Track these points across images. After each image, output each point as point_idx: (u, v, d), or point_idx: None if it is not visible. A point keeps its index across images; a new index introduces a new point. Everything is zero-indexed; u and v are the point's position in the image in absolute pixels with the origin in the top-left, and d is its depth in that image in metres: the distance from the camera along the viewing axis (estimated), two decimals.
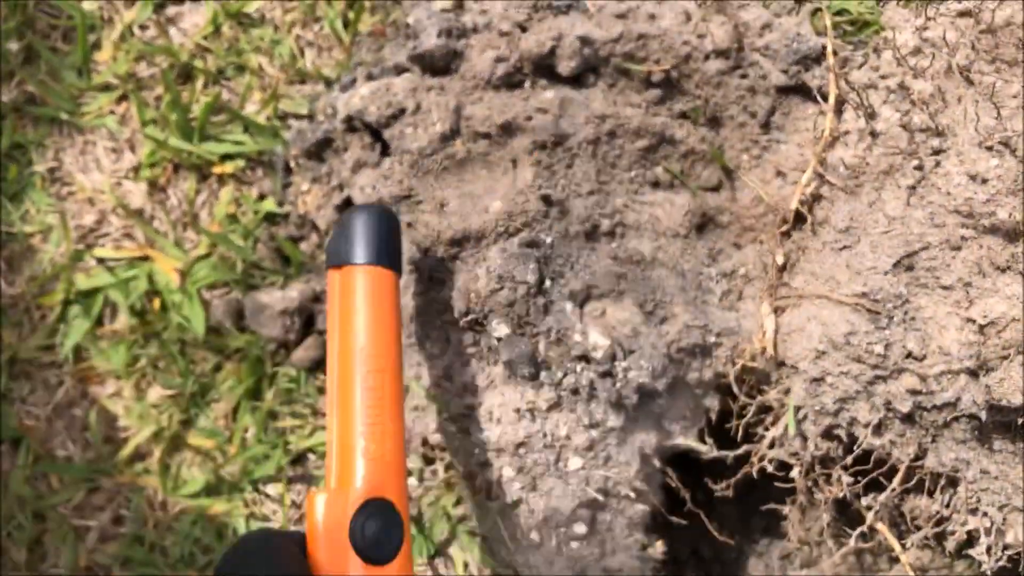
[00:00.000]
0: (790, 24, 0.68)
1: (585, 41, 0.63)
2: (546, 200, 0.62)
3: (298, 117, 0.73)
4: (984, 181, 0.54)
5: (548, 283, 0.61)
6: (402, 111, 0.64)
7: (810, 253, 0.61)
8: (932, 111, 0.56)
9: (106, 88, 0.75)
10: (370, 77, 0.69)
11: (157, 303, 0.73)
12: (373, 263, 0.55)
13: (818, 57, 0.65)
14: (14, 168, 0.74)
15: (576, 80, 0.65)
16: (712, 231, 0.67)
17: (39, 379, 0.73)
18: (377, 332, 0.54)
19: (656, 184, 0.67)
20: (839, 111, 0.62)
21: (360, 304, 0.54)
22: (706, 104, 0.67)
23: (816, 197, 0.61)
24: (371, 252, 0.55)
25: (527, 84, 0.65)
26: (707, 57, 0.66)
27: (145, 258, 0.74)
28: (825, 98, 0.63)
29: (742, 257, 0.66)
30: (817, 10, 0.69)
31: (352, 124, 0.67)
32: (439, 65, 0.64)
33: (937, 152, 0.56)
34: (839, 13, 0.69)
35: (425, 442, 0.67)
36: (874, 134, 0.59)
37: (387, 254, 0.56)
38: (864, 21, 0.69)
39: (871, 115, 0.59)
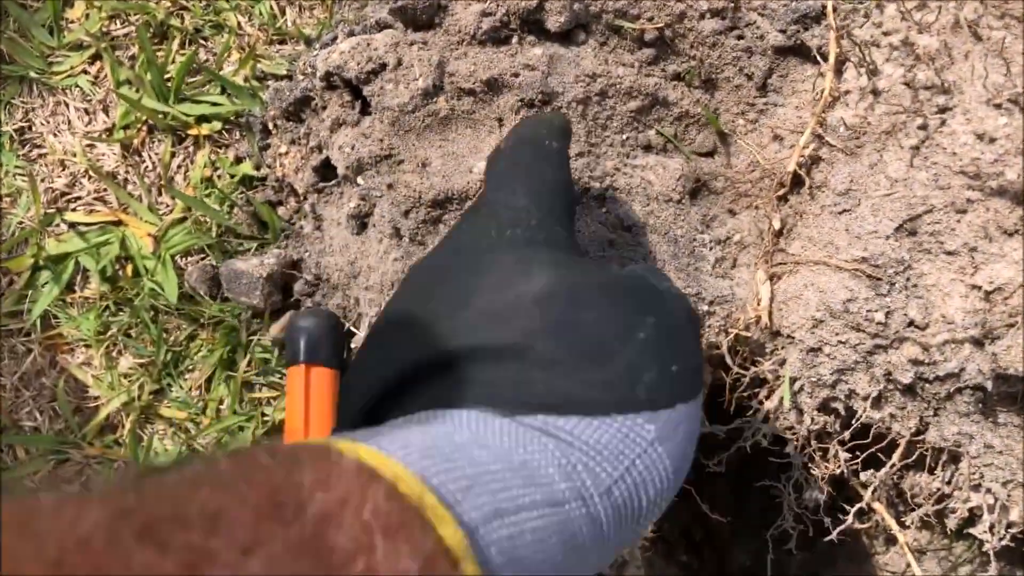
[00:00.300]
0: None
1: None
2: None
3: (277, 78, 0.71)
4: (992, 140, 0.52)
5: None
6: (383, 66, 0.61)
7: (808, 218, 0.59)
8: (938, 67, 0.53)
9: (78, 47, 0.72)
10: (351, 34, 0.66)
11: (130, 269, 0.70)
12: (311, 363, 0.64)
13: (818, 16, 0.63)
14: None
15: (566, 37, 0.62)
16: (706, 197, 0.64)
17: (5, 347, 0.70)
18: (315, 427, 0.63)
19: (648, 147, 0.64)
20: (839, 71, 0.59)
21: (298, 400, 0.64)
22: (701, 65, 0.64)
23: (815, 159, 0.59)
24: (309, 352, 0.64)
25: (514, 40, 0.62)
26: (702, 16, 0.63)
27: (118, 223, 0.71)
28: (825, 58, 0.60)
29: (737, 224, 0.63)
30: None
31: (331, 81, 0.64)
32: (422, 19, 0.62)
33: (942, 110, 0.53)
34: None
35: None
36: (876, 92, 0.56)
37: (325, 354, 0.65)
38: None
39: (873, 72, 0.56)
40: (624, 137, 0.63)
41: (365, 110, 0.64)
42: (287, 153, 0.68)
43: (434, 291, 0.42)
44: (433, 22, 0.62)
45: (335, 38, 0.68)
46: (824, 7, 0.62)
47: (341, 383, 0.48)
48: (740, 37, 0.64)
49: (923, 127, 0.54)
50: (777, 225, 0.59)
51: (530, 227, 0.43)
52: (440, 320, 0.40)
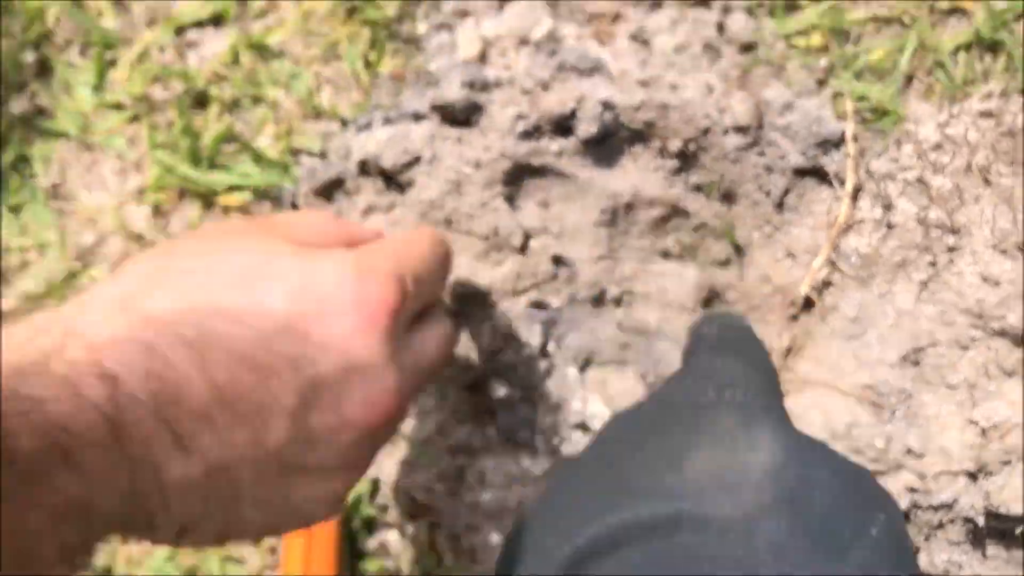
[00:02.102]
0: (811, 106, 0.68)
1: (607, 106, 0.63)
2: (556, 261, 0.62)
3: (310, 154, 0.73)
4: (996, 284, 0.54)
5: (552, 347, 0.61)
6: (418, 159, 0.64)
7: (817, 339, 0.61)
8: (949, 208, 0.56)
9: (118, 107, 0.74)
10: (387, 121, 0.69)
11: None
12: None
13: (837, 142, 0.65)
14: (17, 180, 0.73)
15: (595, 143, 0.65)
16: (719, 306, 0.66)
17: None
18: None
19: (666, 254, 0.66)
20: (855, 198, 0.62)
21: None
22: (722, 179, 0.67)
23: (826, 283, 0.61)
24: None
25: (544, 139, 0.65)
26: (726, 132, 0.66)
27: None
28: (842, 183, 0.63)
29: None
30: (839, 95, 0.70)
31: (366, 167, 0.66)
32: (459, 117, 0.64)
33: (951, 250, 0.56)
34: (860, 99, 0.69)
35: (411, 499, 0.66)
36: (890, 225, 0.58)
37: None
38: (884, 109, 0.69)
39: (888, 207, 0.58)
40: (644, 243, 0.66)
41: (398, 197, 0.66)
42: None
43: (644, 444, 0.40)
44: (470, 120, 0.64)
45: (370, 122, 0.70)
46: (844, 133, 0.65)
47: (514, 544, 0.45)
48: (761, 154, 0.67)
49: (932, 264, 0.57)
50: (786, 344, 0.61)
51: (749, 391, 0.42)
52: (652, 476, 0.38)
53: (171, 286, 0.38)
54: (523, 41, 0.68)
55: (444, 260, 0.51)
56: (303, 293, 0.39)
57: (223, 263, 0.40)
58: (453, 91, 0.63)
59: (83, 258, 0.73)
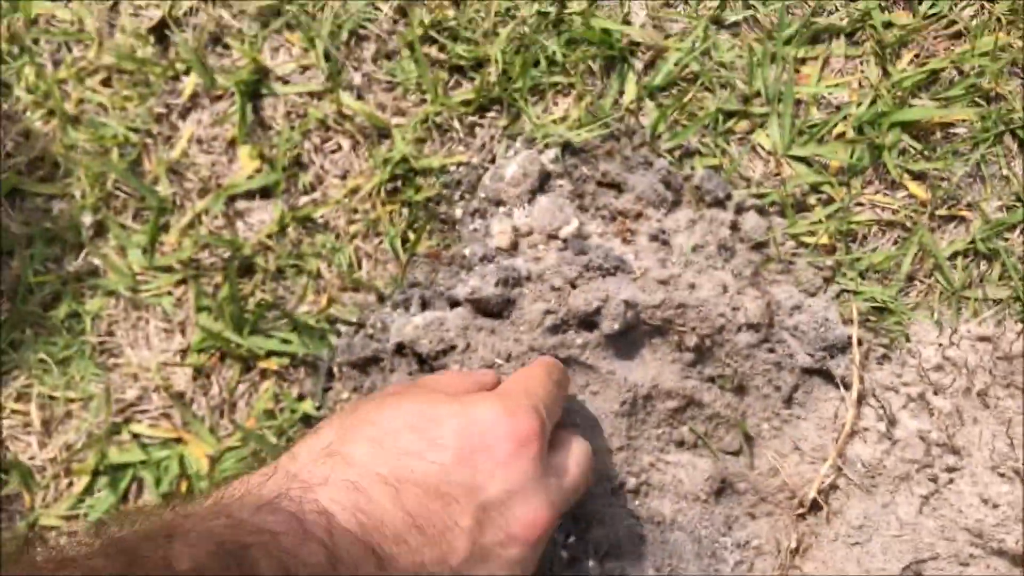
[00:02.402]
0: (819, 307, 0.72)
1: (629, 305, 0.68)
2: None
3: (347, 324, 0.77)
4: (995, 506, 0.58)
5: (572, 538, 0.64)
6: (452, 347, 0.68)
7: (822, 541, 0.64)
8: (949, 430, 0.60)
9: (167, 270, 0.79)
10: (423, 302, 0.73)
11: (184, 486, 0.75)
12: None
13: (843, 347, 0.70)
14: (67, 335, 0.77)
15: (620, 338, 0.69)
16: (729, 496, 0.70)
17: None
18: None
19: (681, 443, 0.70)
20: (860, 405, 0.66)
21: None
22: (734, 373, 0.71)
23: (833, 487, 0.65)
24: None
25: (570, 333, 0.69)
26: (739, 329, 0.70)
27: (179, 440, 0.76)
28: (848, 387, 0.67)
29: (756, 528, 0.69)
30: (845, 294, 0.75)
31: (403, 349, 0.70)
32: (493, 310, 0.69)
33: (951, 470, 0.60)
34: (864, 299, 0.74)
35: None
36: (893, 439, 0.62)
37: None
38: (888, 309, 0.74)
39: (891, 422, 0.63)
40: (660, 432, 0.70)
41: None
42: (348, 400, 0.74)
43: None
44: (502, 313, 0.69)
45: (407, 300, 0.74)
46: (850, 338, 0.70)
47: None
48: (771, 351, 0.71)
49: (933, 479, 0.60)
50: (794, 545, 0.64)
51: None
52: None
53: (362, 436, 0.49)
54: (552, 236, 0.73)
55: (564, 382, 0.61)
56: (467, 430, 0.49)
57: (400, 414, 0.50)
58: (488, 288, 0.67)
59: (124, 412, 0.77)
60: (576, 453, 0.55)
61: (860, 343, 0.68)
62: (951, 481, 0.60)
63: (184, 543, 0.38)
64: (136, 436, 0.76)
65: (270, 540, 0.39)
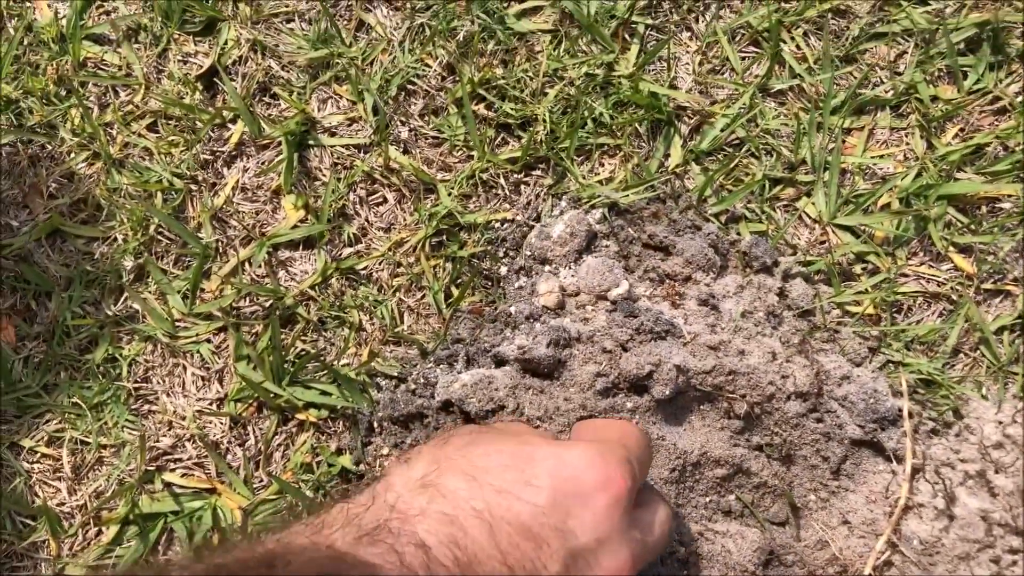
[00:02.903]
0: (867, 377, 0.72)
1: (681, 370, 0.67)
2: None
3: (388, 377, 0.76)
4: None
5: None
6: (501, 407, 0.67)
7: None
8: (1013, 510, 0.59)
9: (208, 317, 0.78)
10: (468, 359, 0.73)
11: (216, 539, 0.73)
12: None
13: (894, 419, 0.69)
14: (103, 380, 0.76)
15: (669, 403, 0.68)
16: (777, 568, 0.68)
17: None
18: None
19: (728, 512, 0.69)
20: (914, 479, 0.65)
21: None
22: (783, 442, 0.70)
23: (887, 563, 0.64)
24: None
25: (620, 396, 0.68)
26: (788, 398, 0.70)
27: (212, 490, 0.75)
28: (900, 460, 0.66)
29: None
30: (892, 365, 0.74)
31: (449, 407, 0.69)
32: (542, 370, 0.68)
33: (1015, 551, 0.59)
34: (912, 371, 0.73)
35: None
36: (951, 516, 0.61)
37: None
38: (935, 382, 0.73)
39: (951, 500, 0.62)
40: (708, 500, 0.68)
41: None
42: (389, 456, 0.73)
43: None
44: (551, 374, 0.68)
45: (451, 356, 0.74)
46: (900, 410, 0.69)
47: None
48: (820, 421, 0.70)
49: (995, 561, 0.59)
50: None
51: None
52: None
53: (457, 469, 0.49)
54: (601, 297, 0.73)
55: (651, 449, 0.60)
56: (561, 473, 0.49)
57: (495, 451, 0.50)
58: (540, 348, 0.67)
59: (157, 460, 0.75)
60: (661, 514, 0.55)
61: (911, 415, 0.68)
62: (1014, 563, 0.58)
63: (287, 573, 0.38)
64: (168, 485, 0.75)
65: (371, 573, 0.40)
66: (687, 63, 0.85)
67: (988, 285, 0.78)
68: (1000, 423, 0.64)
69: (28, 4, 0.87)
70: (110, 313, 0.78)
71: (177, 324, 0.78)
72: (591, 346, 0.69)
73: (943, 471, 0.63)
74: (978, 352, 0.76)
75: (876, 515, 0.67)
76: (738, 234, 0.79)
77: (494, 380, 0.68)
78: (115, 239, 0.80)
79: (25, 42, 0.85)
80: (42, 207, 0.81)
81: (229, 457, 0.75)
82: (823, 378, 0.71)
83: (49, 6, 0.87)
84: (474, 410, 0.67)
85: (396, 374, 0.76)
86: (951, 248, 0.78)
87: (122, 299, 0.78)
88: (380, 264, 0.79)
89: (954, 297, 0.77)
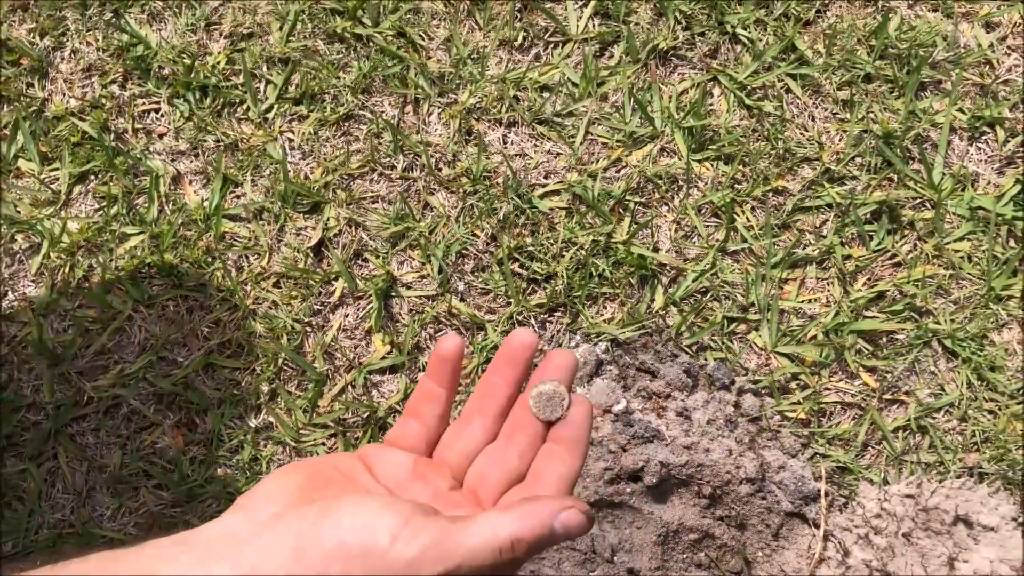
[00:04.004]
0: (798, 466, 1.01)
1: (663, 464, 0.97)
2: (630, 572, 0.93)
3: None
4: None
5: None
6: None
7: None
8: (884, 559, 0.88)
9: (323, 426, 1.08)
10: None
11: None
12: None
13: (815, 497, 0.98)
14: (247, 475, 1.06)
15: (656, 488, 0.98)
16: None
17: None
18: None
19: (699, 565, 0.98)
20: (826, 540, 0.94)
21: None
22: (738, 514, 0.99)
23: None
24: None
25: (621, 484, 0.98)
26: (741, 482, 0.99)
27: None
28: (817, 527, 0.95)
29: None
30: (815, 454, 1.03)
31: None
32: None
33: None
34: (831, 461, 1.03)
35: None
36: (847, 566, 0.90)
37: None
38: (848, 469, 1.03)
39: (846, 553, 0.91)
40: (684, 556, 0.97)
41: None
42: None
43: None
44: None
45: None
46: (819, 491, 0.98)
47: None
48: (763, 499, 0.99)
49: None
50: None
51: None
52: None
53: None
54: (607, 410, 1.03)
55: None
56: None
57: None
58: None
59: None
60: None
61: (827, 495, 0.97)
62: None
63: None
64: None
65: None
66: (666, 230, 1.16)
67: (888, 396, 1.07)
68: (879, 500, 0.93)
69: (180, 191, 1.19)
70: (252, 425, 1.08)
71: (301, 432, 1.08)
72: (601, 448, 0.98)
73: (842, 534, 0.92)
74: (881, 446, 1.05)
75: (802, 566, 0.95)
76: (705, 360, 1.09)
77: None
78: (254, 370, 1.10)
79: (179, 221, 1.17)
80: (198, 346, 1.11)
81: None
82: (766, 467, 1.00)
83: (195, 193, 1.19)
84: None
85: None
86: (861, 369, 1.08)
87: (260, 414, 1.08)
88: None
89: (863, 405, 1.07)
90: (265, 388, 1.09)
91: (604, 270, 1.12)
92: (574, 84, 1.21)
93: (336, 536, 0.40)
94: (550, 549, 0.91)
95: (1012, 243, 1.11)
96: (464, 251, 1.15)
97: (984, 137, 1.17)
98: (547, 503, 0.43)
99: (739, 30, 1.22)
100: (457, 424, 0.52)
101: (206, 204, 1.17)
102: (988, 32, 1.22)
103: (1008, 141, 1.15)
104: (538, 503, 0.43)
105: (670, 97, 1.19)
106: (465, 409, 0.53)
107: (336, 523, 0.41)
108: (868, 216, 1.14)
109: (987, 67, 1.19)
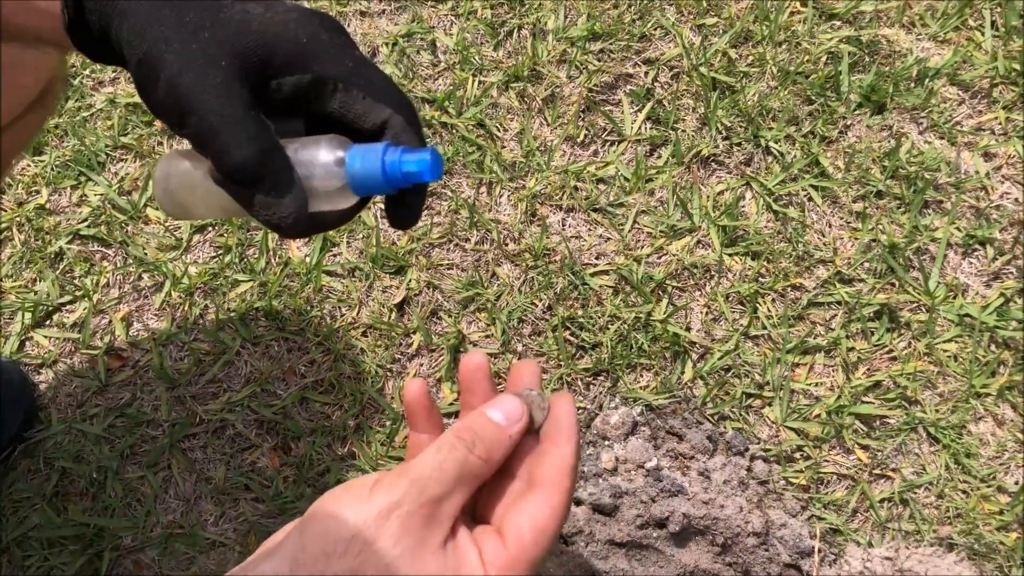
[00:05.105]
0: (797, 525, 1.20)
1: (685, 515, 1.16)
2: None
3: None
4: None
5: None
6: (580, 531, 1.16)
7: None
8: None
9: (397, 458, 1.27)
10: None
11: None
12: None
13: (810, 552, 1.18)
14: None
15: (678, 535, 1.17)
16: None
17: None
18: None
19: None
20: None
21: None
22: (744, 562, 1.18)
23: None
24: None
25: (649, 529, 1.17)
26: (748, 535, 1.18)
27: None
28: None
29: None
30: (812, 516, 1.23)
31: None
32: (605, 511, 1.17)
33: None
34: (824, 520, 1.22)
35: None
36: None
37: None
38: (839, 530, 1.22)
39: None
40: None
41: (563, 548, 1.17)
42: None
43: None
44: (611, 513, 1.17)
45: None
46: (814, 548, 1.18)
47: None
48: (767, 551, 1.19)
49: None
50: None
51: None
52: None
53: None
54: (640, 466, 1.22)
55: None
56: None
57: None
58: (605, 498, 1.16)
59: None
60: None
61: (820, 551, 1.16)
62: None
63: None
64: None
65: None
66: (698, 313, 1.36)
67: (877, 471, 1.26)
68: (863, 559, 1.12)
69: (285, 247, 1.40)
70: (338, 453, 1.28)
71: (378, 462, 1.27)
72: (634, 498, 1.18)
73: None
74: (868, 513, 1.24)
75: None
76: (724, 428, 1.28)
77: (576, 514, 1.17)
78: (342, 405, 1.30)
79: (284, 273, 1.37)
80: (295, 382, 1.31)
81: None
82: (770, 524, 1.19)
83: (299, 249, 1.40)
84: (564, 532, 1.16)
85: None
86: (856, 446, 1.27)
87: (346, 444, 1.28)
88: None
89: (855, 477, 1.26)
90: (351, 422, 1.29)
91: (643, 343, 1.32)
92: (626, 179, 1.41)
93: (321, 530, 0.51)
94: None
95: (993, 347, 1.30)
96: (524, 317, 1.34)
97: (976, 253, 1.37)
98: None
99: (771, 143, 1.42)
100: None
101: (307, 259, 1.37)
102: (986, 161, 1.42)
103: (996, 258, 1.35)
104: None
105: (708, 197, 1.40)
106: None
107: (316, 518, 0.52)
108: (871, 315, 1.33)
109: (983, 192, 1.39)
